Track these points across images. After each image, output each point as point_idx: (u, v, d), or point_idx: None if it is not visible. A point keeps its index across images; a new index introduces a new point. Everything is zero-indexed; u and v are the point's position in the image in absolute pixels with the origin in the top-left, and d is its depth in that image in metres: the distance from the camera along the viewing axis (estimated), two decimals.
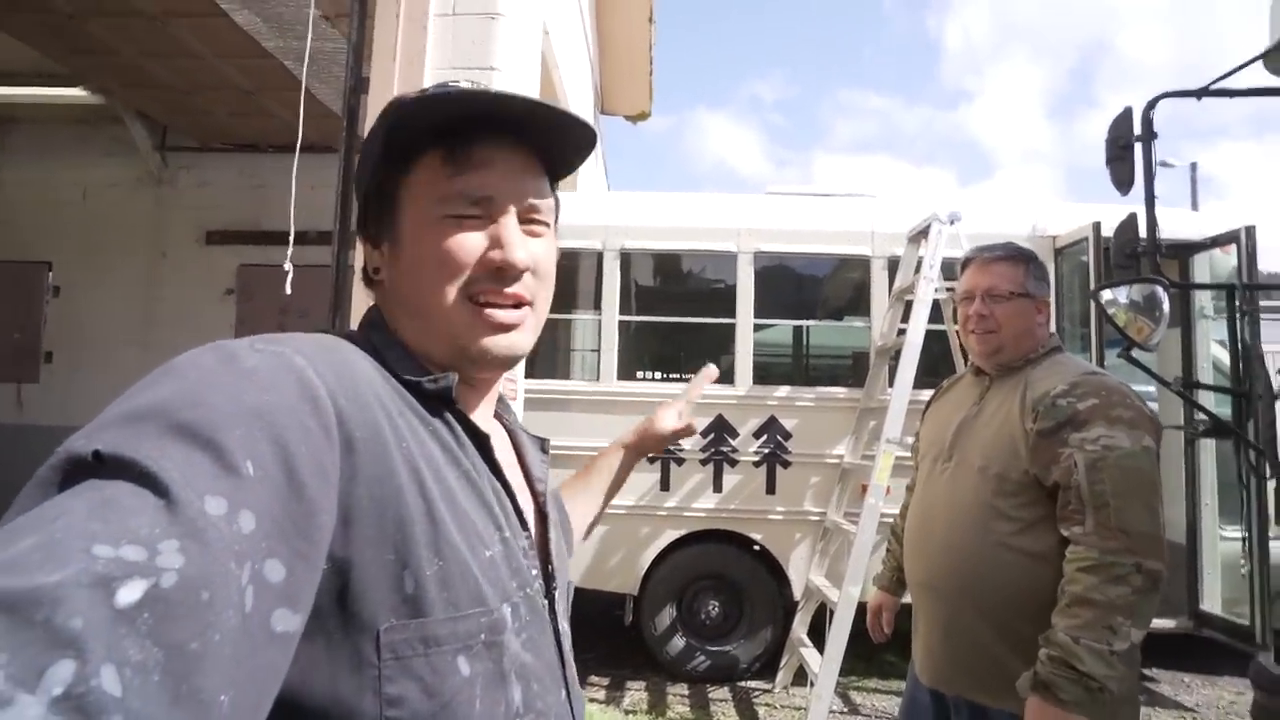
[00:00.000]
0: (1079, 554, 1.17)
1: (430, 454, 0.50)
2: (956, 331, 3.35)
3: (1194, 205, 10.75)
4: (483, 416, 0.61)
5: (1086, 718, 1.09)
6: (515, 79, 2.46)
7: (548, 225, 0.61)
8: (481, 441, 0.56)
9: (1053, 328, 1.50)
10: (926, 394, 3.30)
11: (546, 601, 0.58)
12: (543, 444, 0.69)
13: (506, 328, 0.57)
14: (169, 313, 5.61)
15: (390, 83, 2.33)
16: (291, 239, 2.24)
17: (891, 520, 1.79)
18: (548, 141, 0.60)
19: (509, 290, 0.56)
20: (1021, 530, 1.26)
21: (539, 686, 0.52)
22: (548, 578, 0.59)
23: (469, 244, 0.56)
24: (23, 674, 0.26)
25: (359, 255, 2.11)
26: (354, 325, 2.04)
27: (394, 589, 0.44)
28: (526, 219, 0.58)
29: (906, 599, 1.74)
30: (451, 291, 0.55)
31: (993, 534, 1.27)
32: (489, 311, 0.56)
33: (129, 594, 0.30)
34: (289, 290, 2.20)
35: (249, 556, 0.35)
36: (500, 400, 0.69)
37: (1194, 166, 11.44)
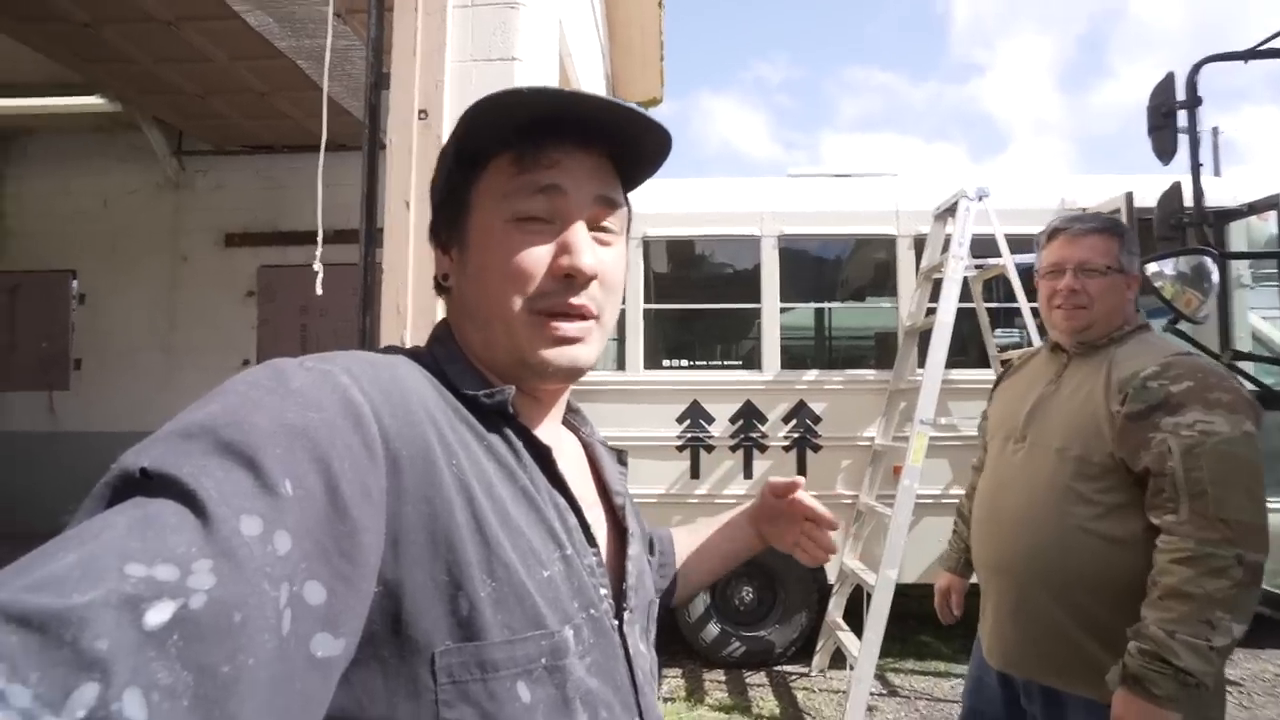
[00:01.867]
0: (1173, 544, 1.11)
1: (483, 471, 0.48)
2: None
3: (1216, 171, 10.50)
4: (548, 429, 0.59)
5: (1179, 713, 1.06)
6: (537, 69, 2.42)
7: (617, 234, 0.58)
8: (543, 455, 0.54)
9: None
10: (956, 373, 3.27)
11: (616, 623, 0.55)
12: (620, 456, 0.67)
13: (570, 340, 0.55)
14: (192, 316, 5.66)
15: (411, 78, 2.31)
16: (320, 240, 2.23)
17: (958, 502, 1.73)
18: (621, 145, 0.57)
19: (575, 301, 0.54)
20: (1103, 515, 1.21)
21: (607, 714, 0.50)
22: (619, 596, 0.56)
23: (536, 252, 0.54)
24: (51, 695, 0.26)
25: (385, 254, 2.07)
26: (384, 323, 1.99)
27: (449, 611, 0.43)
28: (595, 225, 0.56)
29: (975, 579, 1.71)
30: (517, 301, 0.54)
31: (1071, 518, 1.23)
32: (553, 324, 0.54)
33: (158, 615, 0.30)
34: (319, 291, 2.20)
35: (286, 578, 0.34)
36: (577, 413, 0.67)
37: (1216, 131, 11.16)
